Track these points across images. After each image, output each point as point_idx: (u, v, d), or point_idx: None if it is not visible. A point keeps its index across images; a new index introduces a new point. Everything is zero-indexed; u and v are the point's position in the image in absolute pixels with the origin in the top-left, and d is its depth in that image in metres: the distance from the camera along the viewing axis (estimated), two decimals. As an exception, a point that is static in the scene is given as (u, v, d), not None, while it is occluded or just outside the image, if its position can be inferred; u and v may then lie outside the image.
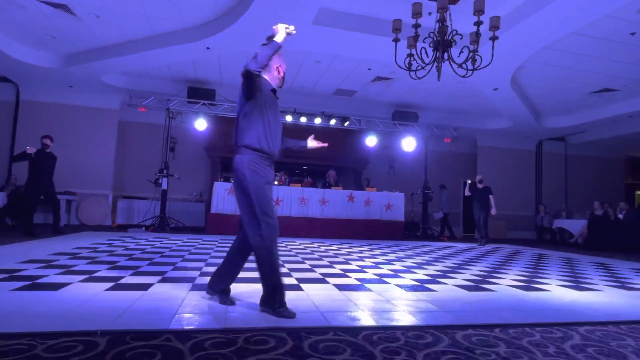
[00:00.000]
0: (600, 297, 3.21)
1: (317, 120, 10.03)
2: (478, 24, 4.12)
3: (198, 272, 3.54)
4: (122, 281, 3.02)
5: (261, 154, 2.33)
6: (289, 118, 9.85)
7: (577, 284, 3.83)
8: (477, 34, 4.26)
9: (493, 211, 8.18)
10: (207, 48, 7.09)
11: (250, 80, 2.28)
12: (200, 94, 9.31)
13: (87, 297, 2.48)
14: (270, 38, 2.35)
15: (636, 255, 7.53)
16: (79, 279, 3.02)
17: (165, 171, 8.98)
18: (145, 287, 2.84)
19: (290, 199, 8.95)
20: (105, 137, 9.88)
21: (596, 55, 6.86)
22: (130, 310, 2.24)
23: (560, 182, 13.38)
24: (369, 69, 8.13)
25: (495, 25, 4.15)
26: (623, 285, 3.90)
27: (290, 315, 2.21)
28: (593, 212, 9.43)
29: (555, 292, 3.37)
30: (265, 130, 2.35)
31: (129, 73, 8.87)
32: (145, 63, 7.95)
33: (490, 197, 8.26)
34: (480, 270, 4.50)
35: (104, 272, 3.35)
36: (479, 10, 4.08)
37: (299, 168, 13.64)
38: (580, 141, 12.57)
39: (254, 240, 2.25)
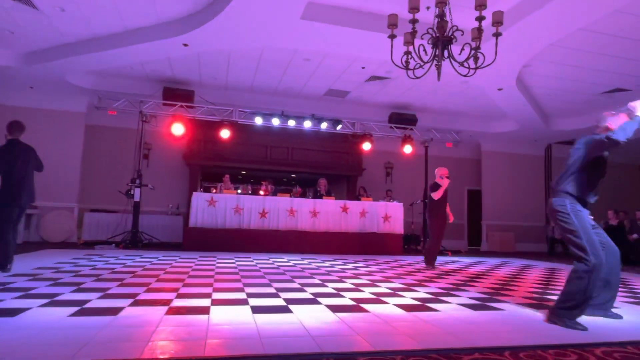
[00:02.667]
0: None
1: (307, 124, 10.06)
2: (480, 19, 4.20)
3: (174, 294, 3.49)
4: (89, 305, 2.96)
5: (579, 200, 2.95)
6: (275, 122, 9.87)
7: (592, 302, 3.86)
8: (479, 30, 4.33)
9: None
10: (185, 45, 7.10)
11: (612, 147, 2.89)
12: (177, 95, 9.28)
13: (49, 324, 2.43)
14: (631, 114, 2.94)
15: (654, 268, 7.64)
16: (39, 303, 2.96)
17: (137, 181, 8.89)
18: (114, 311, 2.80)
19: (278, 210, 8.92)
20: (70, 143, 9.76)
21: (607, 53, 7.03)
22: (97, 338, 2.20)
23: (572, 189, 13.56)
24: (363, 68, 8.21)
25: (498, 20, 4.23)
26: (641, 301, 3.94)
27: (582, 328, 2.67)
28: (607, 222, 9.57)
29: (569, 310, 3.40)
30: (589, 184, 2.97)
31: (97, 72, 8.81)
32: (115, 61, 7.91)
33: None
34: (487, 287, 4.52)
35: (67, 295, 3.28)
36: (480, 5, 4.15)
37: (287, 176, 13.65)
38: (592, 145, 12.78)
39: (579, 264, 2.82)
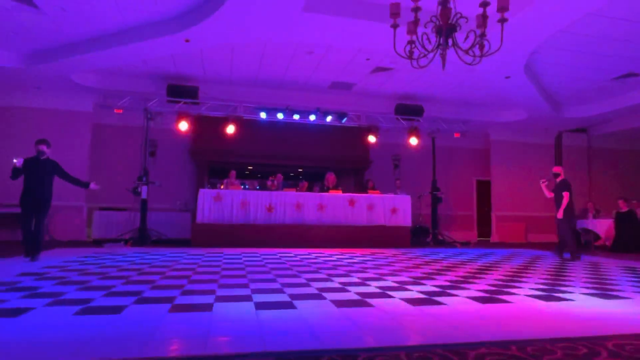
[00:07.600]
0: (630, 306, 3.17)
1: (312, 118, 10.00)
2: (484, 5, 4.10)
3: (179, 291, 3.49)
4: (93, 304, 2.97)
5: None
6: (280, 116, 9.83)
7: (604, 292, 3.78)
8: (484, 16, 4.23)
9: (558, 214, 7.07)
10: (187, 40, 7.06)
11: None
12: (181, 91, 9.28)
13: (52, 324, 2.43)
14: None
15: (669, 256, 7.49)
16: (44, 302, 2.97)
17: (144, 178, 8.93)
18: (118, 309, 2.79)
19: (284, 205, 8.90)
20: (77, 142, 9.82)
21: (617, 38, 6.85)
22: (100, 337, 2.19)
23: (583, 178, 13.35)
24: (368, 59, 8.11)
25: (503, 6, 4.12)
26: (655, 291, 3.85)
27: None
28: (619, 211, 9.40)
29: (579, 301, 3.33)
30: None
31: (101, 71, 8.84)
32: (119, 59, 7.92)
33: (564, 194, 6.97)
34: (496, 279, 4.46)
35: (72, 294, 3.29)
36: (485, -10, 4.05)
37: (294, 170, 13.62)
38: (604, 132, 12.55)
39: None
